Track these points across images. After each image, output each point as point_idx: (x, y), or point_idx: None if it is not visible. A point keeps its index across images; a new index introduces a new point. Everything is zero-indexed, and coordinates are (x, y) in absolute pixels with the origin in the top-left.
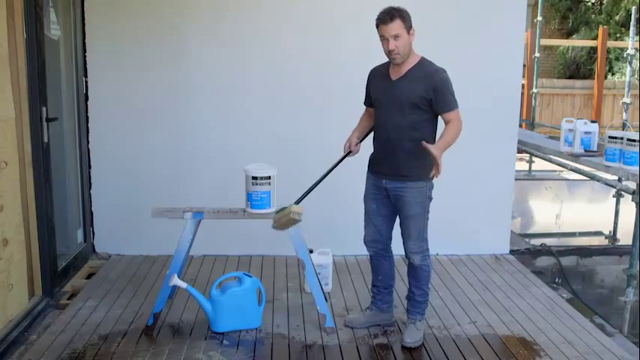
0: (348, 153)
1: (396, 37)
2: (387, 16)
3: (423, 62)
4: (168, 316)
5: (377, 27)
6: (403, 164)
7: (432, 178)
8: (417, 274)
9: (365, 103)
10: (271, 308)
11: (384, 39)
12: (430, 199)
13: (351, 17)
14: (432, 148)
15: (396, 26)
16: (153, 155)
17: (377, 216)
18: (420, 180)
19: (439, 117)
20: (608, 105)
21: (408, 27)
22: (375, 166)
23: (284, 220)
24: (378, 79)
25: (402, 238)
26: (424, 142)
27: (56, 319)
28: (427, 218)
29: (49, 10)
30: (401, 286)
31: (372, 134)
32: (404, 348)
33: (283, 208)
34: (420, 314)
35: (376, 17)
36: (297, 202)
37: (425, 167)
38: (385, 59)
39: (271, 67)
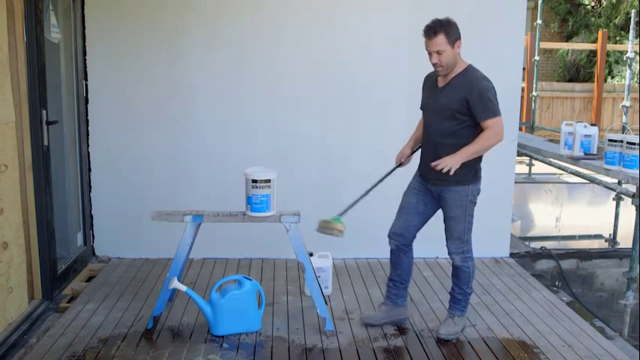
0: (399, 165)
1: (438, 52)
2: (431, 31)
3: (467, 70)
4: (168, 319)
5: (423, 36)
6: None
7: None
8: (458, 274)
9: (421, 108)
10: (271, 311)
11: (428, 52)
12: (473, 203)
13: (351, 18)
14: (446, 158)
15: (439, 41)
16: (153, 158)
17: (412, 211)
18: (460, 184)
19: None
20: (607, 108)
21: (454, 40)
22: (421, 169)
23: (327, 232)
24: (428, 85)
25: (445, 237)
26: (434, 163)
27: (56, 322)
28: (469, 222)
29: (50, 13)
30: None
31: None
32: (405, 347)
33: (331, 220)
34: (460, 310)
35: (423, 28)
36: (342, 214)
37: (467, 172)
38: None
39: (271, 69)
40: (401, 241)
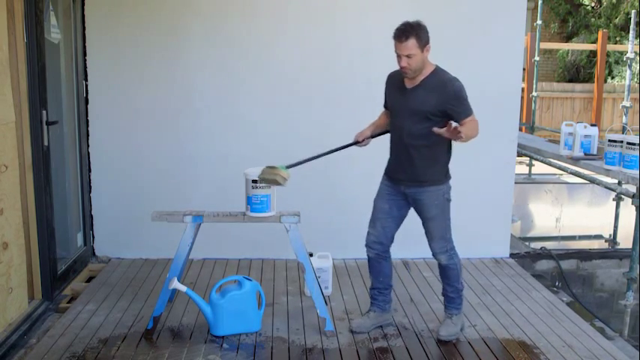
0: (355, 142)
1: (409, 56)
2: (403, 35)
3: (437, 72)
4: (168, 319)
5: (393, 38)
6: (419, 171)
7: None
8: (446, 273)
9: (384, 106)
10: (271, 312)
11: (397, 55)
12: (449, 201)
13: (351, 19)
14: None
15: (410, 46)
16: (153, 158)
17: (387, 217)
18: (435, 184)
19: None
20: (607, 108)
21: (424, 44)
22: (391, 172)
23: (270, 178)
24: (394, 86)
25: (427, 239)
26: (436, 129)
27: (56, 322)
28: (448, 219)
29: (50, 13)
30: (400, 290)
31: (386, 136)
32: (405, 348)
33: (277, 167)
34: (456, 309)
35: (394, 30)
36: (289, 167)
37: (440, 172)
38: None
39: (272, 69)
40: (380, 248)
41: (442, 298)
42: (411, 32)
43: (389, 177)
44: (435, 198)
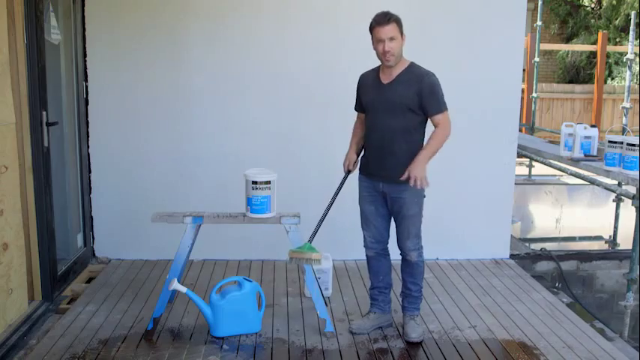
0: (348, 173)
1: (391, 39)
2: (385, 18)
3: (412, 66)
4: (168, 320)
5: (371, 29)
6: (399, 166)
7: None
8: (414, 271)
9: (356, 109)
10: (271, 313)
11: (379, 41)
12: (424, 197)
13: (351, 19)
14: (413, 170)
15: (391, 28)
16: (153, 159)
17: (376, 217)
18: None
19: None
20: (607, 109)
21: (402, 32)
22: (369, 169)
23: (303, 262)
24: (369, 83)
25: (399, 238)
26: (404, 175)
27: (56, 323)
28: (422, 216)
29: (50, 14)
30: (399, 291)
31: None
32: (405, 349)
33: (303, 247)
34: (417, 309)
35: (372, 19)
36: (311, 239)
37: None
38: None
39: (272, 70)
40: (379, 247)
41: (443, 299)
42: (391, 16)
43: (366, 175)
44: (416, 196)
